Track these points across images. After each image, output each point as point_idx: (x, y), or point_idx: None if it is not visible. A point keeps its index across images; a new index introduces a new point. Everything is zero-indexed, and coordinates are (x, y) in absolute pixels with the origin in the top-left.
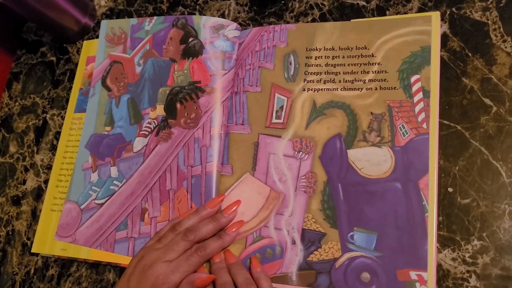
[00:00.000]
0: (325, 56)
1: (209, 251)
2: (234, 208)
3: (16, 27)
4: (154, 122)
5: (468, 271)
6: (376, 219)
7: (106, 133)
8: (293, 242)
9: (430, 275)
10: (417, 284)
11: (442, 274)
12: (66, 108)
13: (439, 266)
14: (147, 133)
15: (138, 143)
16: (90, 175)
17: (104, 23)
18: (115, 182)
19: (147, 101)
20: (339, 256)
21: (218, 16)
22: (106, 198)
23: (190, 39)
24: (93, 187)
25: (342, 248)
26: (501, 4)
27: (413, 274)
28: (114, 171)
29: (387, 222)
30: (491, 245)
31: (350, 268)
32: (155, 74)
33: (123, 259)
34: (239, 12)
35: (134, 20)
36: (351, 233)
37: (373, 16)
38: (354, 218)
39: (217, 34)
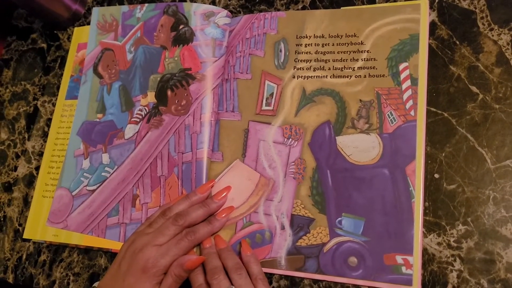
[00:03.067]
0: (315, 43)
1: (198, 236)
2: (224, 194)
3: (6, 13)
4: (145, 109)
5: (452, 255)
6: (364, 205)
7: (97, 120)
8: (282, 228)
9: (416, 259)
10: (403, 268)
11: (428, 258)
12: (57, 95)
13: (424, 251)
14: (138, 120)
15: (130, 130)
16: (81, 161)
17: (96, 10)
18: (106, 168)
19: (138, 88)
20: (327, 241)
21: (209, 3)
22: (98, 185)
23: (181, 26)
24: (84, 174)
25: (330, 233)
26: None
27: (399, 258)
28: (105, 158)
29: (374, 207)
30: (475, 230)
31: (337, 253)
32: (146, 61)
33: (115, 245)
34: (229, 0)
35: (125, 7)
36: (339, 219)
37: (363, 4)
38: (342, 204)
39: (207, 21)
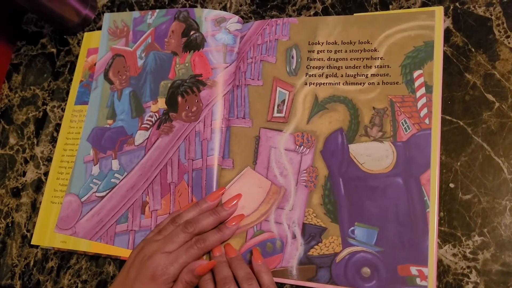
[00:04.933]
0: (328, 50)
1: (208, 244)
2: (235, 201)
3: (16, 18)
4: (155, 115)
5: (468, 267)
6: (377, 214)
7: (108, 126)
8: (294, 237)
9: (431, 271)
10: (418, 279)
11: (443, 270)
12: (67, 100)
13: (439, 262)
14: (148, 126)
15: (140, 136)
16: (91, 168)
17: (107, 16)
18: (116, 175)
19: (149, 94)
20: (339, 251)
21: (220, 9)
22: (107, 191)
23: (192, 32)
24: (94, 180)
25: (343, 243)
26: (505, 0)
27: (413, 270)
28: (115, 164)
29: (388, 217)
30: (492, 241)
31: (350, 263)
32: (156, 67)
33: (123, 252)
34: (241, 5)
35: (136, 13)
36: (352, 228)
37: (376, 10)
38: (355, 213)
39: (218, 27)
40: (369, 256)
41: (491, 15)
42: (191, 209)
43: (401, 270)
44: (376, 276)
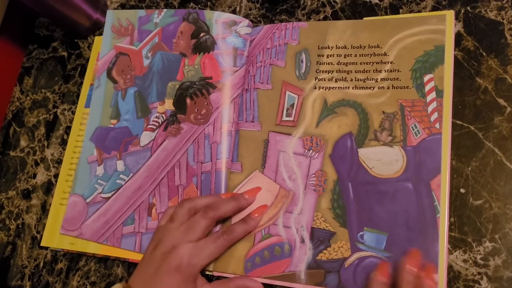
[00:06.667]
0: (337, 54)
1: (235, 235)
2: (254, 192)
3: (28, 21)
4: (162, 116)
5: (479, 273)
6: (387, 219)
7: (112, 126)
8: (302, 241)
9: (441, 277)
10: None
11: (453, 276)
12: (77, 103)
13: (450, 268)
14: (154, 127)
15: (145, 137)
16: (95, 168)
17: (110, 13)
18: (121, 176)
19: (155, 95)
20: (348, 256)
21: (230, 13)
22: (113, 192)
23: (202, 34)
24: (99, 181)
25: (352, 247)
26: None
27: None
28: (120, 165)
29: (397, 222)
30: (503, 247)
31: (359, 268)
32: (164, 68)
33: (131, 254)
34: (250, 9)
35: (142, 12)
36: (361, 233)
37: (386, 14)
38: (364, 218)
39: (229, 30)
40: (378, 261)
41: (503, 19)
42: (203, 196)
43: None
44: None
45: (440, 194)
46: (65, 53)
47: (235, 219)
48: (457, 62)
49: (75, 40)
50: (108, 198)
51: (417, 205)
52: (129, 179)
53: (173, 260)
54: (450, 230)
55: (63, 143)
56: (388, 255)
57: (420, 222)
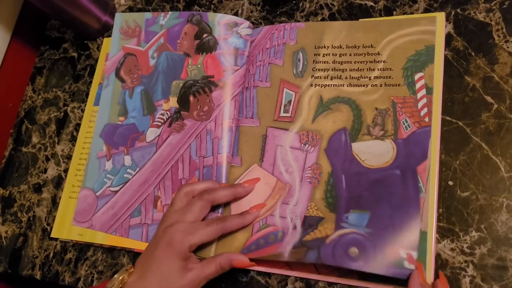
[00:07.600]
0: (333, 53)
1: (228, 224)
2: (253, 182)
3: (40, 24)
4: (167, 113)
5: (465, 261)
6: (372, 200)
7: (119, 123)
8: (294, 227)
9: (429, 265)
10: (405, 262)
11: (441, 264)
12: (86, 101)
13: (438, 256)
14: (160, 124)
15: (151, 134)
16: (104, 163)
17: (119, 16)
18: (128, 170)
19: (161, 93)
20: (331, 233)
21: (232, 15)
22: (121, 186)
23: (205, 35)
24: (107, 175)
25: (336, 227)
26: (504, 6)
27: (403, 253)
28: (127, 160)
29: (381, 201)
30: (489, 237)
31: (339, 244)
32: (168, 67)
33: (138, 244)
34: (251, 12)
35: (148, 14)
36: (346, 214)
37: (381, 16)
38: (352, 204)
39: (230, 31)
40: (359, 237)
41: (491, 20)
42: (201, 181)
43: (390, 252)
44: (363, 256)
45: (425, 176)
46: (75, 54)
47: (234, 211)
48: (447, 61)
49: (85, 42)
50: (117, 191)
51: (401, 185)
52: (135, 173)
53: (168, 235)
54: (438, 220)
55: (73, 139)
56: (369, 231)
57: (403, 200)
